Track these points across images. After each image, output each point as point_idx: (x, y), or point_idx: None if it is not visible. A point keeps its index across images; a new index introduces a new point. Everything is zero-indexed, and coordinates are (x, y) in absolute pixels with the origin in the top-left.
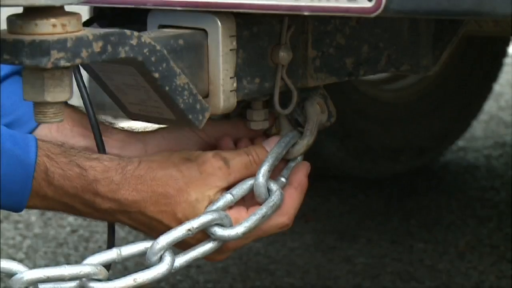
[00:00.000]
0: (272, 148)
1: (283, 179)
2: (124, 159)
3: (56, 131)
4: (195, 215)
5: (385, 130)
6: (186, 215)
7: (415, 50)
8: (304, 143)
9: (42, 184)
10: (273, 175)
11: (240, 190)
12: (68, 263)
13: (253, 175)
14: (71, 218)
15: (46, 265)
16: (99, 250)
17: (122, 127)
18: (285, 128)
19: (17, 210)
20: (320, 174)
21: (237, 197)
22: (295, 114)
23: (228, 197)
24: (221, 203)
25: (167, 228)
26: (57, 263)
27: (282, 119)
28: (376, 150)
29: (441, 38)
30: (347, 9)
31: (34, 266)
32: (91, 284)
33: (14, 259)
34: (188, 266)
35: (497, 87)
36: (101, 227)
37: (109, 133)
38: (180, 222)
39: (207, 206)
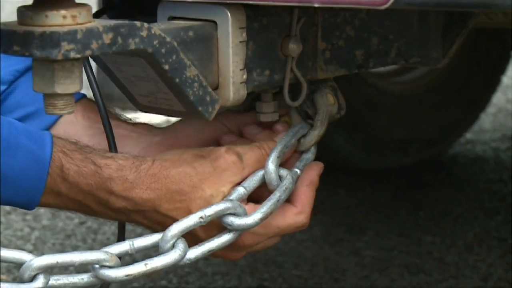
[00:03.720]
0: (281, 137)
1: (297, 170)
2: (138, 158)
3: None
4: None
5: (393, 123)
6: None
7: (424, 43)
8: (315, 134)
9: (57, 180)
10: (287, 167)
11: (251, 182)
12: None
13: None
14: None
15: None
16: (107, 242)
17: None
18: (295, 120)
19: (29, 207)
20: (328, 167)
21: (250, 190)
22: (304, 106)
23: (241, 190)
24: (234, 196)
25: None
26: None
27: (292, 112)
28: (384, 143)
29: (450, 30)
30: (357, 1)
31: None
32: (103, 271)
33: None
34: None
35: (505, 80)
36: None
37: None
38: None
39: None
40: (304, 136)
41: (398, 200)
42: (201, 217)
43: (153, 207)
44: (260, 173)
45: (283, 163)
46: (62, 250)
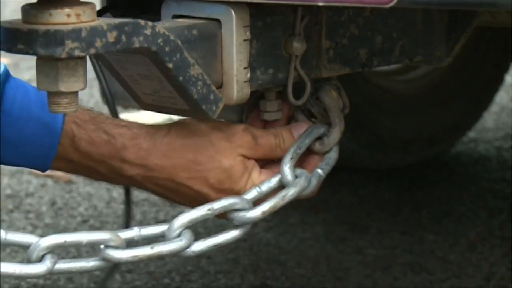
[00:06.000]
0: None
1: (319, 171)
2: (153, 126)
3: None
4: (232, 182)
5: (396, 121)
6: (220, 180)
7: (428, 41)
8: (337, 131)
9: (68, 149)
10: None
11: (267, 185)
12: (79, 253)
13: (275, 158)
14: (81, 208)
15: (57, 255)
16: None
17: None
18: (299, 119)
19: (42, 170)
20: None
21: (263, 193)
22: (308, 105)
23: (254, 193)
24: (247, 196)
25: (196, 194)
26: (67, 253)
27: (297, 113)
28: (387, 141)
29: (454, 29)
30: (361, 0)
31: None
32: (108, 250)
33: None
34: (199, 256)
35: (508, 78)
36: (112, 217)
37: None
38: (213, 187)
39: (242, 172)
40: (325, 136)
41: (401, 198)
42: (209, 209)
43: (168, 174)
44: (277, 178)
45: (303, 166)
46: (65, 248)
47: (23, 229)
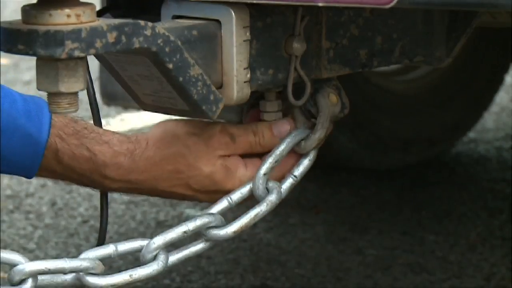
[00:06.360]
0: (279, 143)
1: (291, 179)
2: (132, 140)
3: None
4: (218, 185)
5: (396, 122)
6: (204, 185)
7: (428, 42)
8: (315, 138)
9: (51, 162)
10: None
11: (238, 195)
12: (80, 253)
13: (255, 154)
14: (82, 209)
15: (58, 256)
16: (110, 240)
17: None
18: (299, 120)
19: (27, 177)
20: (331, 166)
21: (234, 203)
22: (308, 105)
23: (225, 203)
24: (217, 208)
25: (183, 196)
26: (68, 254)
27: (296, 111)
28: (387, 142)
29: (455, 30)
30: (361, 0)
31: (45, 256)
32: (88, 278)
33: (25, 249)
34: (199, 256)
35: (508, 79)
36: (112, 217)
37: None
38: (198, 190)
39: (225, 174)
40: (304, 139)
41: (401, 199)
42: (185, 232)
43: (150, 186)
44: (248, 187)
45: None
46: (65, 249)
47: (23, 229)
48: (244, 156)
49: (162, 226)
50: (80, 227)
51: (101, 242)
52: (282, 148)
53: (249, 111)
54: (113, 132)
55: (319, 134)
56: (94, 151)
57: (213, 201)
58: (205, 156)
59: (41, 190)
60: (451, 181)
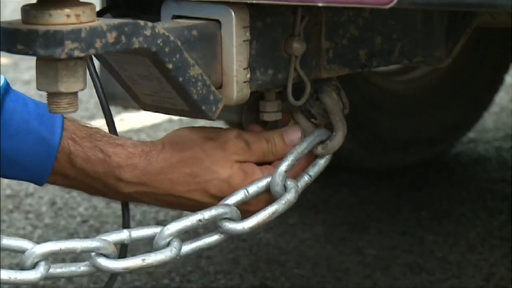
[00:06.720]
0: (296, 145)
1: (306, 178)
2: (147, 143)
3: None
4: (233, 191)
5: (396, 122)
6: (221, 190)
7: (428, 42)
8: (340, 135)
9: (65, 165)
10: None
11: (255, 188)
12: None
13: (266, 162)
14: (81, 208)
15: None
16: None
17: None
18: (301, 121)
19: (38, 184)
20: (331, 166)
21: (251, 196)
22: (308, 106)
23: (241, 195)
24: (233, 200)
25: (199, 203)
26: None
27: (297, 114)
28: (387, 142)
29: (454, 30)
30: (361, 1)
31: None
32: (100, 260)
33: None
34: (199, 256)
35: (508, 79)
36: (112, 217)
37: None
38: (215, 196)
39: (243, 178)
40: (328, 140)
41: (401, 199)
42: (200, 220)
43: (166, 190)
44: (266, 180)
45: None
46: None
47: (23, 229)
48: (257, 164)
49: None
50: (79, 227)
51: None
52: (304, 146)
53: (250, 125)
54: (128, 138)
55: (343, 131)
56: (108, 152)
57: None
58: (221, 160)
59: (40, 190)
60: (451, 181)
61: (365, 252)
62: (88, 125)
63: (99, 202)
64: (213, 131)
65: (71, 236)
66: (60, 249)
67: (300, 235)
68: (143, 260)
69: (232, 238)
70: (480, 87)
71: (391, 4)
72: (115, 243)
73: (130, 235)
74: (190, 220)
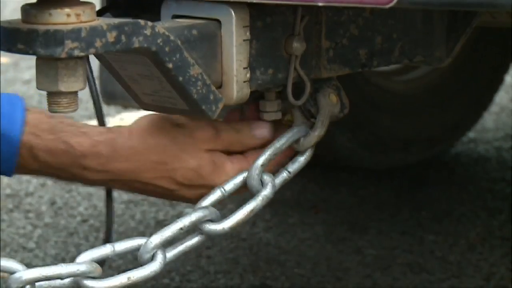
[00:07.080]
0: (274, 140)
1: (285, 174)
2: (113, 130)
3: None
4: (204, 179)
5: (396, 121)
6: (189, 178)
7: (428, 42)
8: (315, 135)
9: (27, 160)
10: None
11: (231, 185)
12: (79, 253)
13: (235, 152)
14: (81, 208)
15: (57, 255)
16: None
17: None
18: (298, 119)
19: (7, 175)
20: (331, 165)
21: (228, 193)
22: (308, 105)
23: (218, 193)
24: (211, 199)
25: (166, 190)
26: (67, 253)
27: (295, 110)
28: (387, 141)
29: (454, 30)
30: (361, 0)
31: (45, 255)
32: (86, 281)
33: (25, 248)
34: (199, 256)
35: (508, 79)
36: None
37: None
38: (182, 184)
39: (213, 168)
40: (304, 136)
41: (401, 199)
42: (181, 228)
43: (132, 177)
44: (241, 177)
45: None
46: (65, 248)
47: (23, 229)
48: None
49: (161, 226)
50: (79, 226)
51: (107, 240)
52: (282, 141)
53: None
54: (94, 126)
55: (318, 132)
56: (71, 143)
57: (197, 198)
58: (190, 148)
59: (40, 189)
60: (451, 181)
61: (365, 251)
62: (52, 115)
63: (99, 201)
64: (182, 119)
65: (71, 235)
66: (45, 276)
67: (300, 235)
68: (129, 278)
69: (212, 238)
70: (480, 87)
71: (391, 4)
72: (99, 260)
73: (114, 250)
74: (171, 230)
